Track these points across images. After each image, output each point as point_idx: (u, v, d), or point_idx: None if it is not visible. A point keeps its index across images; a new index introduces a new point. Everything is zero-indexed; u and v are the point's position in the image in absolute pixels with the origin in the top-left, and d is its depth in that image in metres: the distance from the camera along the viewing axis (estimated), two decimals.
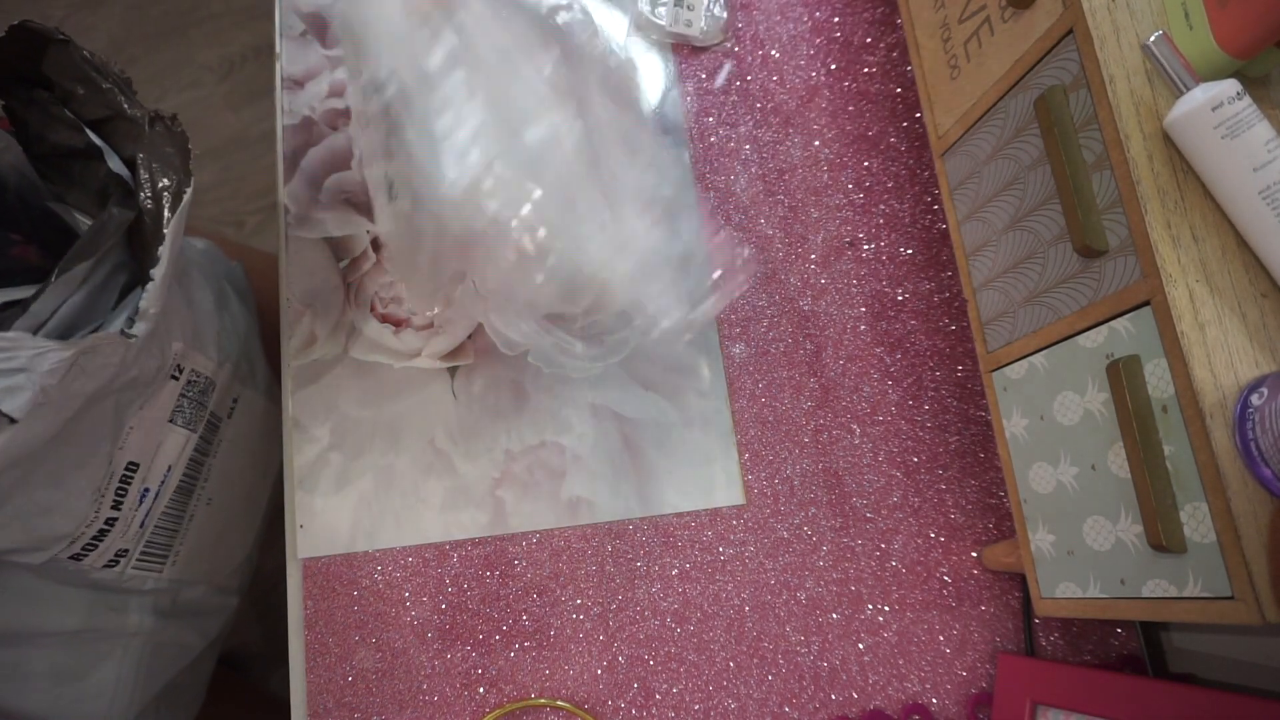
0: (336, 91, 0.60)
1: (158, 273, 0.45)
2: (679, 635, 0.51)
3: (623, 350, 0.55)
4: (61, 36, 0.45)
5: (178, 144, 0.47)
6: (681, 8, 0.60)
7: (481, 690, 0.50)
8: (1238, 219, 0.35)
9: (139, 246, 0.47)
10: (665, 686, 0.50)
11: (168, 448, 0.54)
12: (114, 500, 0.51)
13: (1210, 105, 0.34)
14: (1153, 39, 0.36)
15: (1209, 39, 0.36)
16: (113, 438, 0.49)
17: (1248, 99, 0.34)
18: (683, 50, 0.61)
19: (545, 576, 0.52)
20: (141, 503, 0.52)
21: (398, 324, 0.56)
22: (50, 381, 0.40)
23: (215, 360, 0.57)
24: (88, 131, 0.48)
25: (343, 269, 0.57)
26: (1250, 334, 0.34)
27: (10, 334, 0.40)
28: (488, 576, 0.52)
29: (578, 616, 0.51)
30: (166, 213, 0.45)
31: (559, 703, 0.50)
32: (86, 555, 0.53)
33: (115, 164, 0.48)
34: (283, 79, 0.61)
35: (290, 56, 0.62)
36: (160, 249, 0.45)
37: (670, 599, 0.52)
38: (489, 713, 0.50)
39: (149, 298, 0.44)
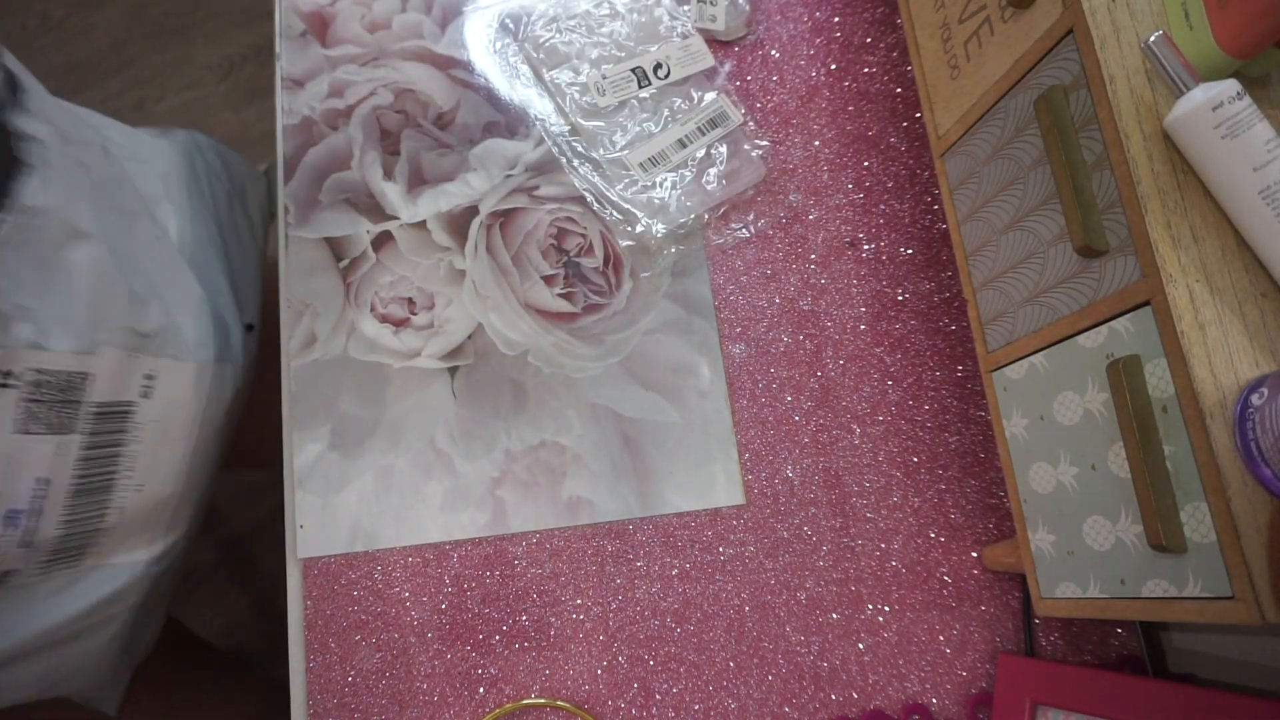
0: (336, 91, 0.60)
1: None
2: (679, 635, 0.51)
3: (623, 350, 0.55)
4: None
5: None
6: (705, 3, 0.60)
7: (481, 690, 0.50)
8: (1238, 219, 0.35)
9: None
10: (665, 686, 0.50)
11: (24, 462, 0.45)
12: None
13: (1210, 105, 0.34)
14: (1153, 39, 0.36)
15: (1209, 39, 0.36)
16: None
17: (1248, 99, 0.34)
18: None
19: (545, 576, 0.52)
20: (13, 526, 0.44)
21: (398, 324, 0.56)
22: None
23: (82, 347, 0.45)
24: None
25: (343, 269, 0.57)
26: (1250, 334, 0.34)
27: None
28: (488, 576, 0.52)
29: (578, 616, 0.51)
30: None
31: (559, 703, 0.50)
32: None
33: None
34: (283, 79, 0.61)
35: (290, 56, 0.62)
36: None
37: (670, 599, 0.52)
38: (489, 713, 0.50)
39: None
